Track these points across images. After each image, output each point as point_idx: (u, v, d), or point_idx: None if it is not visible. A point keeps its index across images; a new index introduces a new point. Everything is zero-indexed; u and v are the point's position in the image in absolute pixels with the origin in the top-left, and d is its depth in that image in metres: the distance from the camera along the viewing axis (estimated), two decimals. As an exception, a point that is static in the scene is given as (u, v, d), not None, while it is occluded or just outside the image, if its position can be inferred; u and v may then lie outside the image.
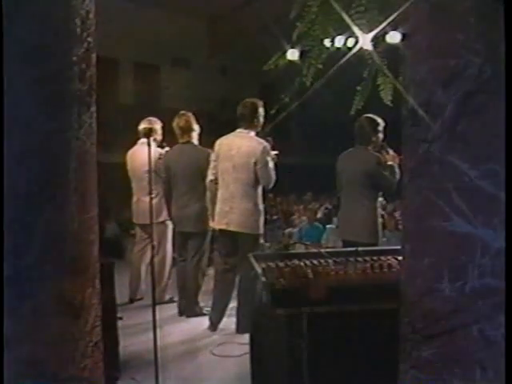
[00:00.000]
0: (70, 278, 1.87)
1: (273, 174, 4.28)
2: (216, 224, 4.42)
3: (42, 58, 1.79)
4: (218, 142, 4.47)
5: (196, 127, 4.92)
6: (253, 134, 4.34)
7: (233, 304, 4.52)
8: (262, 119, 4.39)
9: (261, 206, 4.34)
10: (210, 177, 4.46)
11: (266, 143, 4.26)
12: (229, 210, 4.28)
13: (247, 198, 4.25)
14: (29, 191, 1.79)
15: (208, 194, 4.50)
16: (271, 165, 4.26)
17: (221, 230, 4.40)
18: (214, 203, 4.44)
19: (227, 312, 4.54)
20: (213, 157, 4.44)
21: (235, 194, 4.26)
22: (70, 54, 1.85)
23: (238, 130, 4.38)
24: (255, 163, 4.19)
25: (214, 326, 4.45)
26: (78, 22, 1.87)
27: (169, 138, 5.35)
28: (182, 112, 4.95)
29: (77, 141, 1.88)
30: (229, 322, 4.50)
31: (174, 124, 4.92)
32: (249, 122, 4.32)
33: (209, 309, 4.64)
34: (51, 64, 1.80)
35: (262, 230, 4.35)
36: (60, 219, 1.84)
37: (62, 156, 1.84)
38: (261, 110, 4.37)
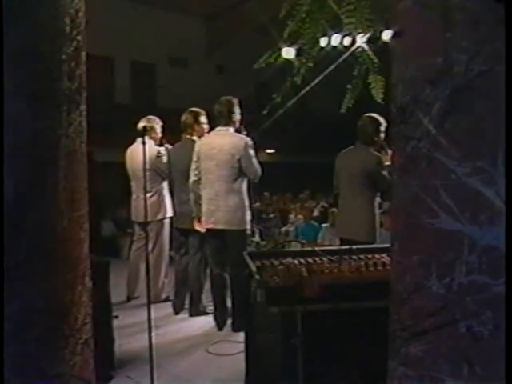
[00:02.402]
0: (59, 276, 1.87)
1: (258, 166, 4.30)
2: (204, 224, 4.42)
3: (30, 56, 1.80)
4: (197, 143, 4.50)
5: (200, 125, 4.89)
6: (232, 130, 4.38)
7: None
8: (238, 116, 4.43)
9: (246, 202, 4.34)
10: (192, 178, 4.45)
11: (247, 138, 4.30)
12: (215, 209, 4.29)
13: (232, 194, 4.26)
14: (18, 189, 1.79)
15: (191, 195, 4.48)
16: (255, 158, 4.29)
17: (209, 230, 4.40)
18: (198, 204, 4.44)
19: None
20: (194, 158, 4.44)
21: (220, 191, 4.27)
22: (59, 52, 1.86)
23: (218, 129, 4.41)
24: (239, 159, 4.21)
25: (220, 326, 4.46)
26: (67, 20, 1.87)
27: (168, 137, 5.37)
28: (191, 109, 4.97)
29: (66, 139, 1.88)
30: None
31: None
32: (227, 118, 4.36)
33: (212, 308, 4.65)
34: (40, 62, 1.81)
35: (248, 225, 4.35)
36: (49, 217, 1.84)
37: (51, 154, 1.85)
38: (237, 107, 4.41)
